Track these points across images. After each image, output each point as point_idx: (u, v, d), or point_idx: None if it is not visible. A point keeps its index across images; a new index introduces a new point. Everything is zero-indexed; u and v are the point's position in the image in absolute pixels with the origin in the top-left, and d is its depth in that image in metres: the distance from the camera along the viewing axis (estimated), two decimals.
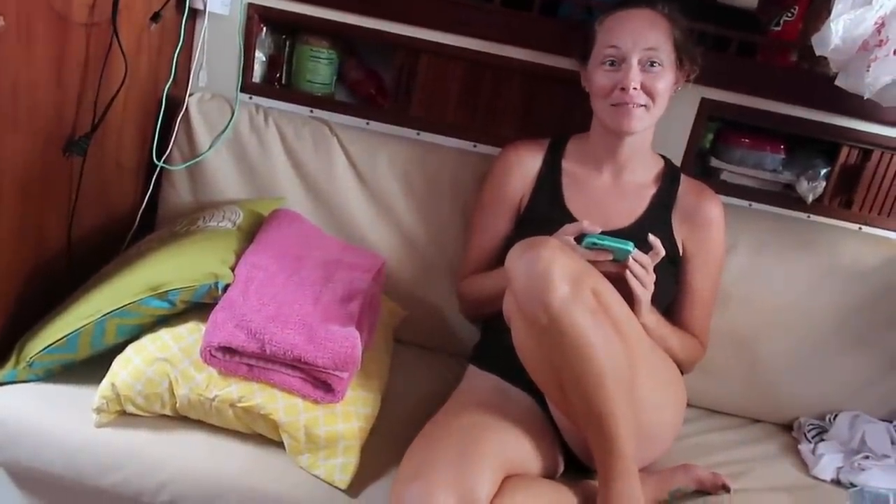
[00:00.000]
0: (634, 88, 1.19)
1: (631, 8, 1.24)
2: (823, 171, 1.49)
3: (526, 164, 1.34)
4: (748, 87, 1.44)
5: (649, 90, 1.20)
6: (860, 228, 1.52)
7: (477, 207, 1.38)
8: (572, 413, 1.05)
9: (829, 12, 1.18)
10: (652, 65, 1.20)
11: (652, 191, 1.32)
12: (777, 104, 1.45)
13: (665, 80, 1.22)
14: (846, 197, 1.52)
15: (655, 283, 1.15)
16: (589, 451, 1.05)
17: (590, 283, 1.00)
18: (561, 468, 1.16)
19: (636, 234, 1.26)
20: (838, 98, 1.30)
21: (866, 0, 1.13)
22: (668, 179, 1.33)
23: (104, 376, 1.08)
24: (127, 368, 1.08)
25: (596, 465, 1.03)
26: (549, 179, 1.33)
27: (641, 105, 1.21)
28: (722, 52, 1.42)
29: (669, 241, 1.29)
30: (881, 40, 1.14)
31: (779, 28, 1.45)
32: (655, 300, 1.18)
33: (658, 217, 1.30)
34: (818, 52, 1.21)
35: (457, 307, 1.43)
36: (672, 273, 1.29)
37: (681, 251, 1.31)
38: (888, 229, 1.51)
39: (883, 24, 1.14)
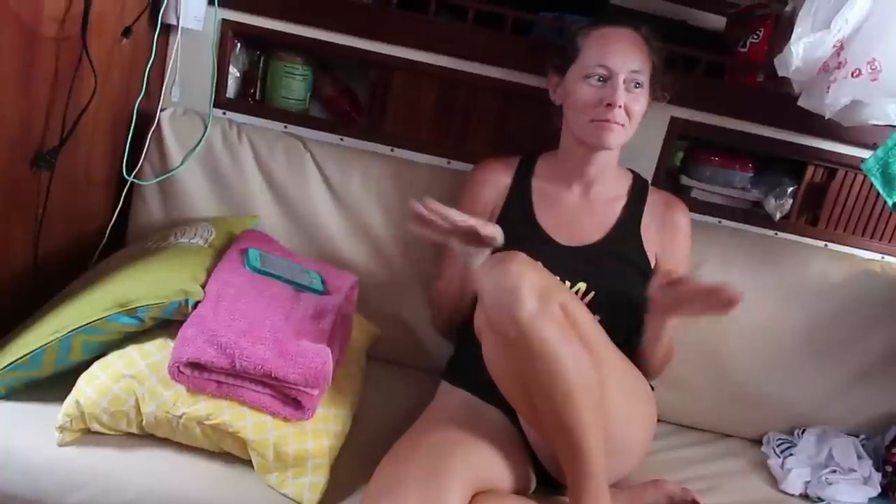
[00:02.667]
0: (619, 107, 1.21)
1: (615, 27, 1.25)
2: (790, 190, 1.52)
3: (496, 182, 1.35)
4: (716, 107, 1.47)
5: (628, 110, 1.22)
6: (826, 245, 1.55)
7: None
8: (542, 428, 1.06)
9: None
10: (635, 86, 1.22)
11: (621, 204, 1.33)
12: (745, 123, 1.48)
13: (642, 102, 1.24)
14: (812, 214, 1.55)
15: (628, 295, 1.18)
16: (560, 466, 1.05)
17: (558, 297, 1.01)
18: (533, 485, 1.16)
19: (606, 247, 1.28)
20: (804, 118, 1.33)
21: (825, 23, 1.16)
22: (637, 193, 1.35)
23: (69, 394, 1.06)
24: (92, 385, 1.06)
25: (566, 480, 1.03)
26: (519, 196, 1.34)
27: (620, 123, 1.22)
28: (691, 72, 1.45)
29: (639, 253, 1.31)
30: (840, 62, 1.17)
31: (745, 49, 1.48)
32: (630, 312, 1.21)
33: (628, 230, 1.31)
34: (780, 74, 1.24)
35: (430, 323, 1.43)
36: (643, 284, 1.31)
37: (653, 262, 1.32)
38: (853, 246, 1.54)
39: (842, 47, 1.17)
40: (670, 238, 1.33)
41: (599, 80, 1.22)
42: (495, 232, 1.12)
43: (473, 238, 1.11)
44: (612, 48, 1.23)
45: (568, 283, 1.24)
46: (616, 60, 1.21)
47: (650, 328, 1.24)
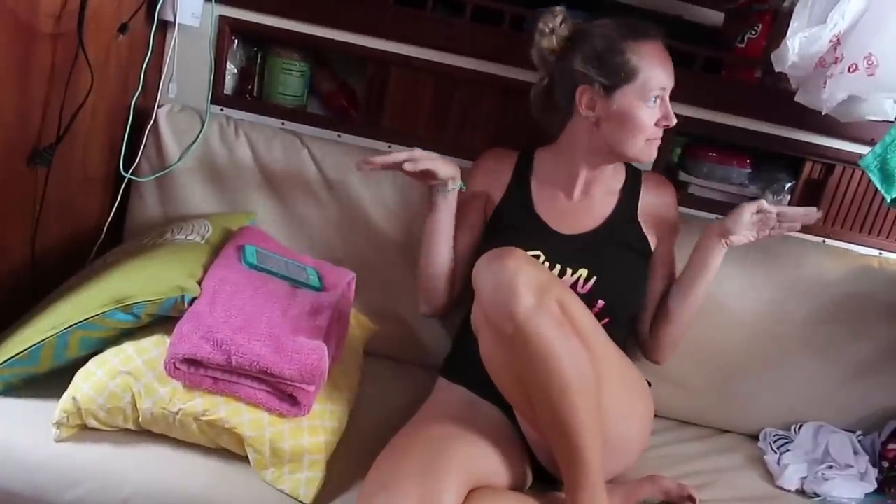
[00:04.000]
0: None
1: (656, 40, 1.22)
2: (788, 185, 1.52)
3: (499, 171, 1.37)
4: (714, 103, 1.47)
5: None
6: (823, 241, 1.54)
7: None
8: (539, 424, 1.06)
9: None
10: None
11: (618, 194, 1.34)
12: (742, 119, 1.48)
13: None
14: None
15: (630, 279, 1.25)
16: (557, 463, 1.05)
17: (555, 293, 1.01)
18: (529, 481, 1.16)
19: (605, 233, 1.30)
20: (801, 114, 1.33)
21: (822, 18, 1.15)
22: (632, 181, 1.36)
23: (66, 390, 1.06)
24: (89, 381, 1.06)
25: (562, 476, 1.04)
26: (519, 191, 1.34)
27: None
28: (688, 68, 1.45)
29: (638, 237, 1.33)
30: (837, 57, 1.16)
31: (743, 45, 1.48)
32: (633, 295, 1.26)
33: (625, 215, 1.33)
34: (777, 69, 1.24)
35: (428, 320, 1.43)
36: (644, 265, 1.33)
37: (653, 245, 1.34)
38: (850, 242, 1.54)
39: (839, 42, 1.17)
40: (667, 216, 1.36)
41: (655, 101, 1.22)
42: (454, 173, 1.26)
43: (427, 176, 1.25)
44: (666, 68, 1.22)
45: (570, 271, 1.24)
46: (667, 81, 1.22)
47: (704, 264, 1.27)
